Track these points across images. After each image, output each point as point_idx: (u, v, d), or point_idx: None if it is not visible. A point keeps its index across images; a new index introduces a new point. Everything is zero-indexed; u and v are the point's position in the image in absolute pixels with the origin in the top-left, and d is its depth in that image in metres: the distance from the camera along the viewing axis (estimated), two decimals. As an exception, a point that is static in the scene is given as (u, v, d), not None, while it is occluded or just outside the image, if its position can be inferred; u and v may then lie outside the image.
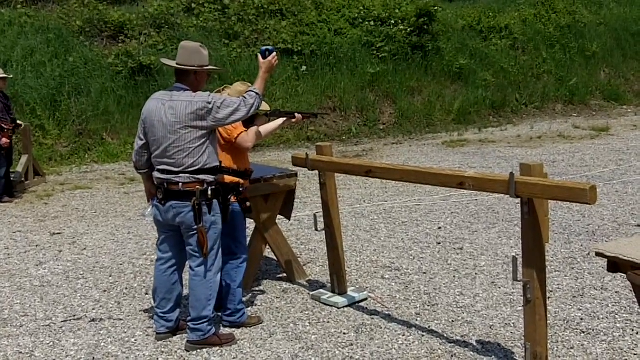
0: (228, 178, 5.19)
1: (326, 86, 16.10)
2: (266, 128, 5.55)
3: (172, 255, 5.15)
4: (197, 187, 4.84)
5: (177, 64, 4.97)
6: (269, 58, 5.08)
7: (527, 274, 4.24)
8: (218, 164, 5.00)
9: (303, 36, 16.86)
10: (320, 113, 13.96)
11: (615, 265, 3.37)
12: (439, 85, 17.29)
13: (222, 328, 5.36)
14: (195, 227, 4.87)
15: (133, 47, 15.20)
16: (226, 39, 16.46)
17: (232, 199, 5.27)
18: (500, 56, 18.67)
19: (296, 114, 5.70)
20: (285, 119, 5.67)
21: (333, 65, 16.54)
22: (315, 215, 6.04)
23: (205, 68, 5.03)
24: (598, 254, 3.45)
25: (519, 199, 4.14)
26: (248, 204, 5.45)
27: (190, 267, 5.01)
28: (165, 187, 4.90)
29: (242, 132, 5.32)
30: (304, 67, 16.28)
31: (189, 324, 5.05)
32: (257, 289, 6.26)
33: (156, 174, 4.98)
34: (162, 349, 5.05)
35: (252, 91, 4.98)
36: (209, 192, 4.89)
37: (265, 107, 5.42)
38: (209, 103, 4.81)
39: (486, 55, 18.49)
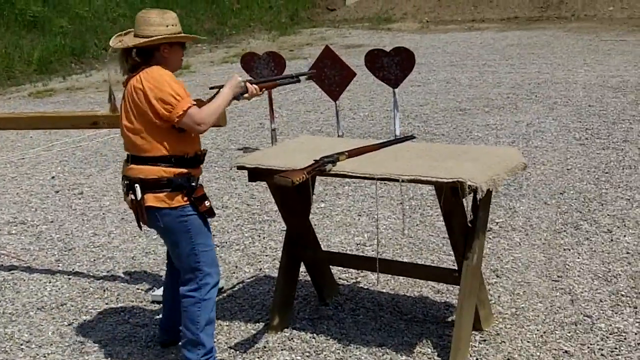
0: (168, 170, 3.59)
1: None
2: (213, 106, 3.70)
3: None
4: None
5: None
6: None
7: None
8: None
9: None
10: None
11: (256, 174, 3.84)
12: (15, 35, 16.52)
13: None
14: None
15: None
16: None
17: (183, 201, 3.60)
18: (74, 2, 18.38)
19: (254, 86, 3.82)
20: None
21: None
22: None
23: None
24: (240, 167, 3.89)
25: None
26: (207, 203, 3.68)
27: None
28: None
29: (190, 106, 3.54)
30: None
31: None
32: None
33: None
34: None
35: None
36: None
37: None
38: None
39: (60, 2, 18.07)
